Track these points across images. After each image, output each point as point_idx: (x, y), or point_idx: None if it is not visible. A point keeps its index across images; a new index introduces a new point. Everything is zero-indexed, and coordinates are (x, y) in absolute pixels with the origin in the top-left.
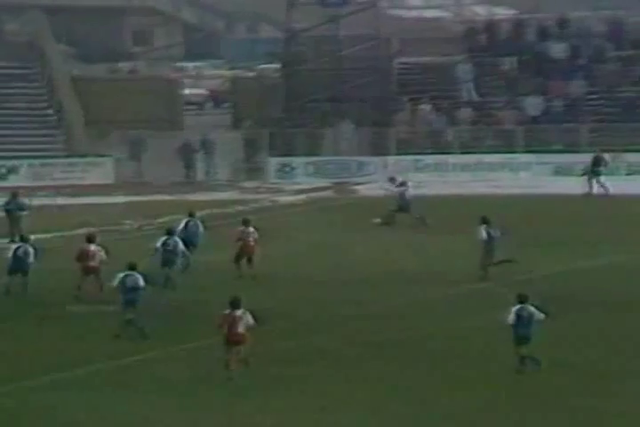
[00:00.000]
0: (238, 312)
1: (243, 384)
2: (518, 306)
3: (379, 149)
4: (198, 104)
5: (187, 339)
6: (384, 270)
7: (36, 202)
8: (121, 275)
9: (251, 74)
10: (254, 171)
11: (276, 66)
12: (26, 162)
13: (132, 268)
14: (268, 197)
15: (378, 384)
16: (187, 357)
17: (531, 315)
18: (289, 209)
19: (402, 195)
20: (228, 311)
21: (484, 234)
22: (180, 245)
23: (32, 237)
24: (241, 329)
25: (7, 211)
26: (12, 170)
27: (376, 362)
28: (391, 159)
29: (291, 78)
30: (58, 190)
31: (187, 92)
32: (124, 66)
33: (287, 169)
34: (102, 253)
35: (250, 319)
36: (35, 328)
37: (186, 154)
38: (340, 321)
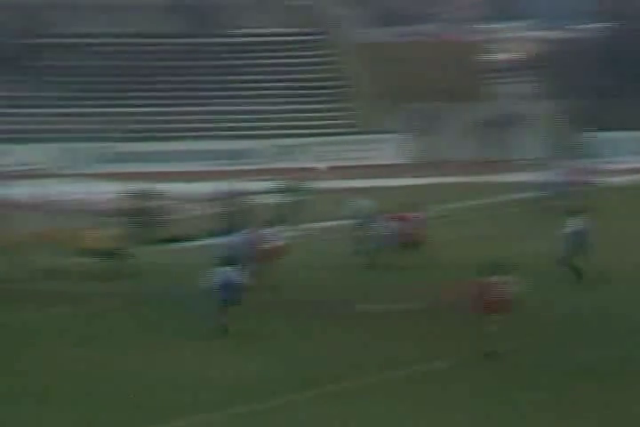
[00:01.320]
0: (495, 278)
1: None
2: None
3: None
4: (505, 71)
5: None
6: None
7: (321, 185)
8: (219, 271)
9: (568, 35)
10: (572, 148)
11: (601, 25)
12: (307, 140)
13: (230, 263)
14: (585, 179)
15: None
16: (482, 365)
17: None
18: (612, 193)
19: None
20: (483, 278)
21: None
22: None
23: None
24: (499, 296)
25: (285, 196)
26: (292, 150)
27: None
28: None
29: (619, 39)
30: (343, 172)
31: (491, 57)
32: (419, 29)
33: (613, 146)
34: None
35: (511, 285)
36: (310, 330)
37: (490, 129)
38: None
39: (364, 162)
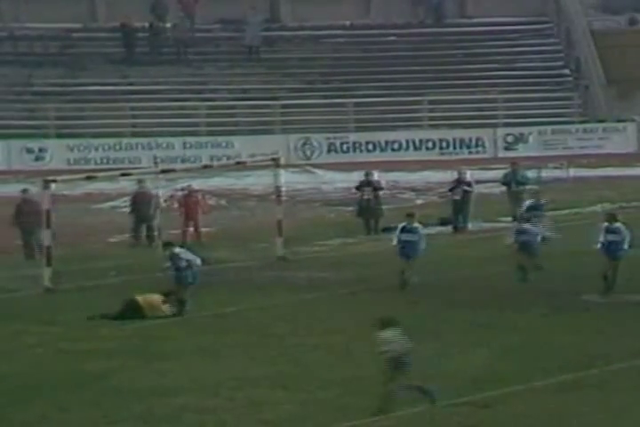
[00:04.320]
0: None
1: None
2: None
3: None
4: None
5: None
6: None
7: (547, 174)
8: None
9: None
10: None
11: None
12: (535, 129)
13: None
14: None
15: None
16: None
17: None
18: None
19: None
20: None
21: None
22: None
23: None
24: None
25: (506, 184)
26: (519, 138)
27: None
28: None
29: None
30: (572, 161)
31: None
32: None
33: None
34: None
35: None
36: (541, 320)
37: None
38: None
39: (595, 151)
